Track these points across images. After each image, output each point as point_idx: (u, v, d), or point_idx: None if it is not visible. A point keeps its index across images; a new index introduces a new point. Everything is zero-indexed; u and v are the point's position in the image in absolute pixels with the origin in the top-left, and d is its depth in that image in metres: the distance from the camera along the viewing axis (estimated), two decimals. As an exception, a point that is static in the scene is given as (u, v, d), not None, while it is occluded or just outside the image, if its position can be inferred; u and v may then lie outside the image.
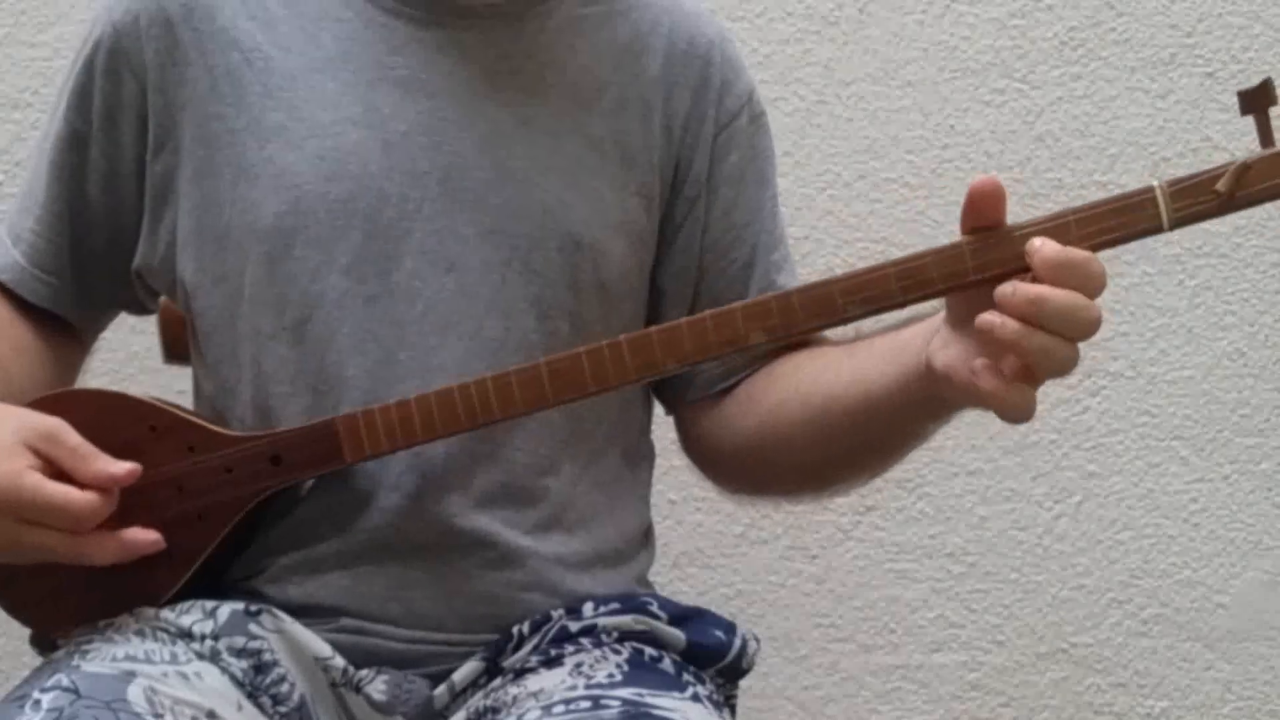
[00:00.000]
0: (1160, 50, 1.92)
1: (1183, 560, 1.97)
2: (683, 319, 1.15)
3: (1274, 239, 1.94)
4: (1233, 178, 1.05)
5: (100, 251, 1.33)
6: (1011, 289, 1.04)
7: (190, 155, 1.27)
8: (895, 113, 1.92)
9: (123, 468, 1.16)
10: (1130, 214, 1.07)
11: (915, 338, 1.16)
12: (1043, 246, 1.05)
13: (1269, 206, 1.91)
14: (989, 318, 1.05)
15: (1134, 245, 1.88)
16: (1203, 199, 1.06)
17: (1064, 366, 1.06)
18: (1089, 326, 1.05)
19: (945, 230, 1.92)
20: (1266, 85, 1.06)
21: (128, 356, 1.83)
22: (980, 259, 1.08)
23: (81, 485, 1.15)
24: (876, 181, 1.93)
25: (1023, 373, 1.06)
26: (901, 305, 1.11)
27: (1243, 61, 1.91)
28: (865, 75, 1.92)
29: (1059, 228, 1.07)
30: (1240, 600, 1.97)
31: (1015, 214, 1.93)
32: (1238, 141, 1.88)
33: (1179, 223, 1.07)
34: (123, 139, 1.29)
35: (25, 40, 1.84)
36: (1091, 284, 1.05)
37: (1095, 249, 1.07)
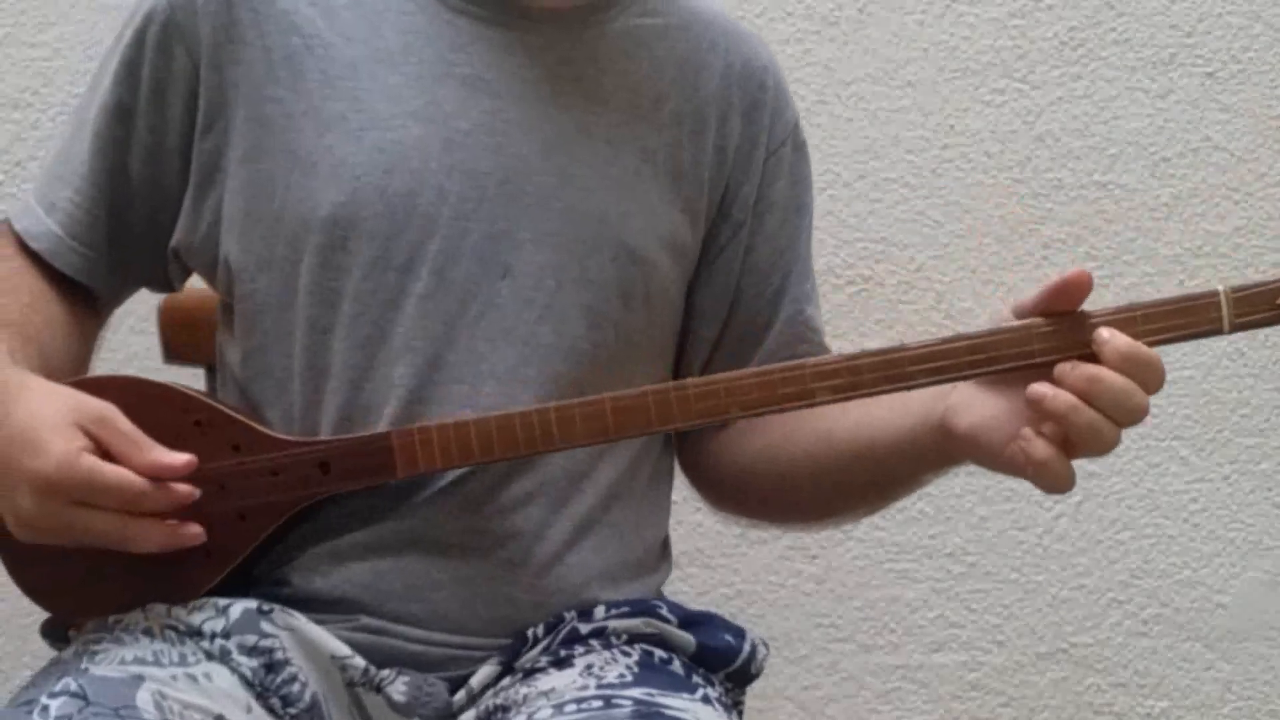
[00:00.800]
0: (1160, 50, 1.92)
1: (1183, 560, 1.97)
2: (750, 369, 1.18)
3: (1274, 239, 1.94)
4: None
5: (137, 226, 1.31)
6: (1071, 366, 1.10)
7: (242, 136, 1.25)
8: (895, 113, 1.92)
9: (179, 458, 1.14)
10: (1194, 315, 1.11)
11: (924, 392, 1.18)
12: (1113, 338, 1.10)
13: (1269, 206, 1.93)
14: (1041, 389, 1.09)
15: (1133, 246, 1.91)
16: (1263, 310, 1.11)
17: (1105, 448, 1.11)
18: (1137, 414, 1.10)
19: (945, 230, 1.92)
20: None
21: (128, 356, 1.82)
22: (1048, 343, 1.12)
23: (134, 472, 1.13)
24: (876, 181, 1.93)
25: (1061, 441, 1.10)
26: (967, 378, 1.14)
27: (1243, 61, 1.91)
28: (865, 75, 1.92)
29: (1126, 321, 1.11)
30: (1240, 600, 1.97)
31: (1018, 216, 1.94)
32: (1238, 141, 1.88)
33: (1239, 328, 1.12)
34: (170, 114, 1.28)
35: (25, 40, 1.83)
36: (1153, 381, 1.10)
37: (1156, 344, 1.11)
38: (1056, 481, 1.11)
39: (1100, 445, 1.10)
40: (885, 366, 1.14)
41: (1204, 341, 1.93)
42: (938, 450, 1.19)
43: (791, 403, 1.16)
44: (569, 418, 1.17)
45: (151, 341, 1.54)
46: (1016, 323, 1.13)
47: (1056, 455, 1.10)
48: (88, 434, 1.13)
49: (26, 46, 1.83)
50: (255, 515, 1.20)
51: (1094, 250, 1.92)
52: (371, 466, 1.19)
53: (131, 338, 1.80)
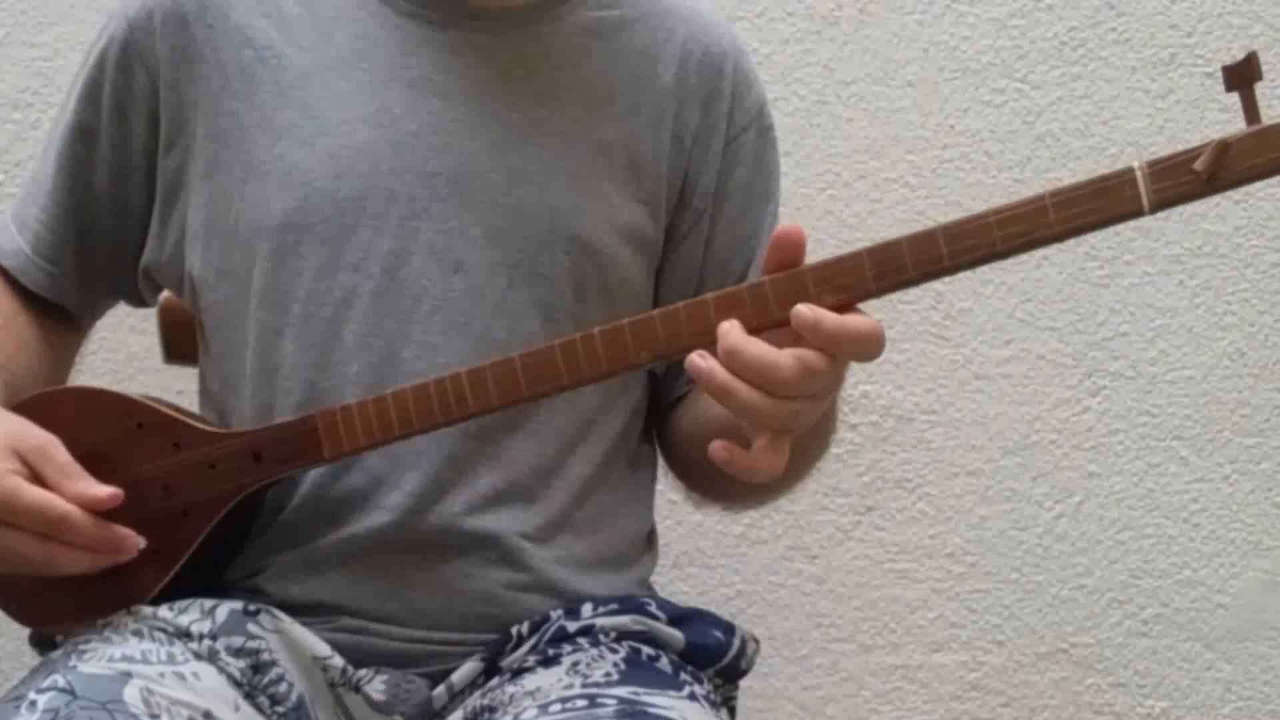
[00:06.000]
0: (1160, 50, 1.92)
1: (1183, 560, 1.97)
2: (655, 310, 1.11)
3: (1274, 239, 1.94)
4: (1212, 157, 1.00)
5: (104, 243, 1.33)
6: (722, 332, 1.03)
7: (202, 151, 1.27)
8: (895, 113, 1.92)
9: (104, 491, 1.17)
10: (1110, 196, 1.02)
11: None
12: (809, 317, 1.02)
13: (1269, 206, 1.93)
14: (695, 360, 1.03)
15: (1133, 246, 1.91)
16: (1183, 180, 1.01)
17: (777, 423, 1.03)
18: (784, 385, 1.02)
19: (945, 230, 1.92)
20: (1251, 60, 1.01)
21: (128, 356, 1.83)
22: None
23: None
24: (876, 181, 1.93)
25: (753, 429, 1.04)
26: (876, 294, 1.06)
27: (1243, 61, 1.91)
28: (865, 75, 1.92)
29: (980, 228, 1.03)
30: (1240, 600, 1.97)
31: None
32: (1238, 141, 1.88)
33: (1160, 205, 1.02)
34: (133, 133, 1.30)
35: (25, 40, 1.84)
36: (846, 346, 1.03)
37: (1075, 233, 1.03)
38: (744, 472, 1.05)
39: (768, 421, 1.02)
40: (789, 290, 1.05)
41: (1204, 341, 1.97)
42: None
43: (699, 339, 1.07)
44: (481, 380, 1.13)
45: (151, 341, 1.55)
46: (920, 230, 1.04)
47: (737, 452, 1.04)
48: (25, 461, 1.16)
49: (26, 46, 1.84)
50: (197, 511, 1.21)
51: (1094, 250, 1.92)
52: (299, 450, 1.19)
53: (131, 338, 1.81)
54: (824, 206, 1.92)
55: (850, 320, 1.03)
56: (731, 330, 1.03)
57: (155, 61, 1.28)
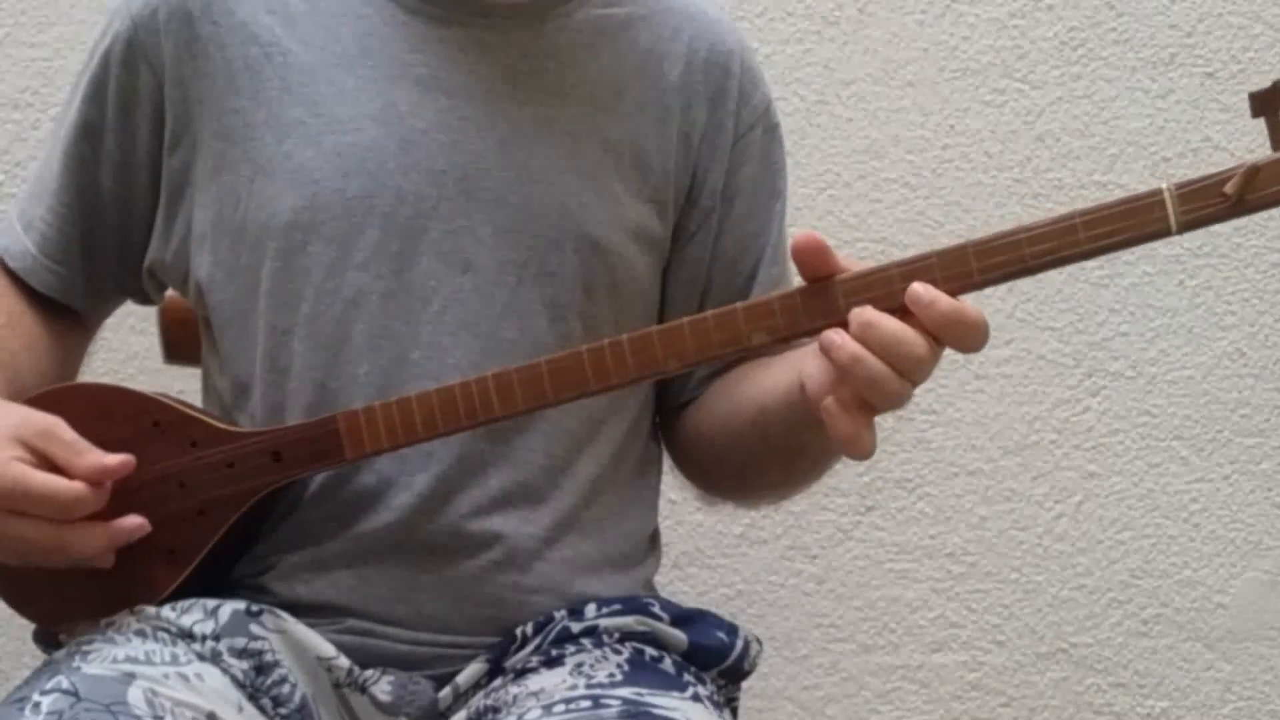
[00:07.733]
0: (1160, 50, 1.92)
1: (1183, 560, 1.97)
2: (685, 318, 1.12)
3: (1274, 239, 1.94)
4: (1242, 180, 1.03)
5: (110, 242, 1.33)
6: (859, 311, 1.06)
7: (209, 150, 1.27)
8: (895, 113, 1.92)
9: (115, 458, 1.16)
10: (1138, 216, 1.05)
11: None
12: (925, 296, 1.05)
13: (1269, 207, 1.93)
14: (831, 335, 1.05)
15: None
16: (1211, 202, 1.04)
17: (892, 401, 1.05)
18: (915, 364, 1.05)
19: (945, 230, 1.92)
20: (1278, 87, 1.04)
21: (128, 356, 1.83)
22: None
23: (74, 479, 1.15)
24: (876, 181, 1.93)
25: (857, 402, 1.06)
26: (905, 309, 1.07)
27: (1243, 61, 1.91)
28: (865, 75, 1.92)
29: (1013, 242, 1.06)
30: (1240, 600, 1.97)
31: (1017, 214, 1.94)
32: (1238, 141, 1.88)
33: (1187, 226, 1.05)
34: (138, 131, 1.29)
35: (25, 40, 1.84)
36: (966, 337, 1.06)
37: (1103, 252, 1.06)
38: (849, 444, 1.07)
39: (884, 398, 1.05)
40: (819, 301, 1.08)
41: (1204, 341, 1.97)
42: (803, 404, 1.13)
43: (727, 347, 1.11)
44: (507, 384, 1.14)
45: (151, 341, 1.55)
46: (950, 245, 1.08)
47: (844, 414, 1.06)
48: (30, 448, 1.15)
49: (26, 46, 1.84)
50: (214, 509, 1.21)
51: (1094, 250, 1.92)
52: (321, 451, 1.19)
53: (131, 338, 1.81)
54: (824, 206, 1.92)
55: (964, 306, 1.06)
56: (866, 309, 1.06)
57: (160, 59, 1.28)
